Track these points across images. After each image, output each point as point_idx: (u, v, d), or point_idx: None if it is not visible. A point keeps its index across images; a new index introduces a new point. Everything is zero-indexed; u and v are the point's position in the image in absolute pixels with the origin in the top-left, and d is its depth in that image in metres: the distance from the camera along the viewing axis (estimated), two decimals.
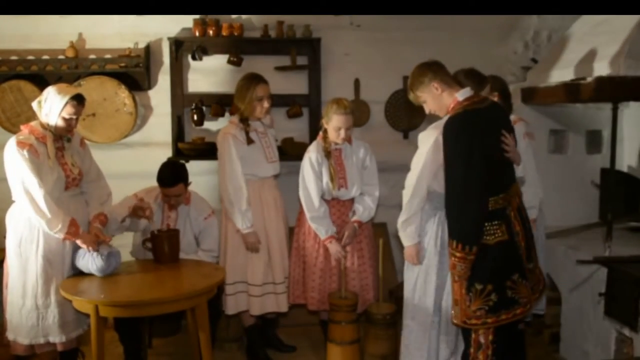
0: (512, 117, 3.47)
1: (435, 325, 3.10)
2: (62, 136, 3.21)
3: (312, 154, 3.65)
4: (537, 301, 3.03)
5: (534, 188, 3.42)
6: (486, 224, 2.68)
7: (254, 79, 3.67)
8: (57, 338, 3.17)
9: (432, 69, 2.82)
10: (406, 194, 3.03)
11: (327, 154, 3.63)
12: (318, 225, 3.61)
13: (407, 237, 3.07)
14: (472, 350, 2.80)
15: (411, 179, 3.01)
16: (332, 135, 3.62)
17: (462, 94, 2.77)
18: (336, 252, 3.61)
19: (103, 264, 3.17)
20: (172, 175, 3.57)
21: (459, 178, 2.63)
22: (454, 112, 2.73)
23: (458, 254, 2.66)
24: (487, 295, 2.69)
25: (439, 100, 2.82)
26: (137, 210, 3.49)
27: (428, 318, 3.10)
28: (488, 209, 2.66)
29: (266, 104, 3.67)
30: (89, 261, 3.17)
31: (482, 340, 2.77)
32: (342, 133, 3.58)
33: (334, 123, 3.57)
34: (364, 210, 3.70)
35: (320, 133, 3.71)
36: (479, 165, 2.60)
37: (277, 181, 3.91)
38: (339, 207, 3.71)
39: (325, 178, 3.62)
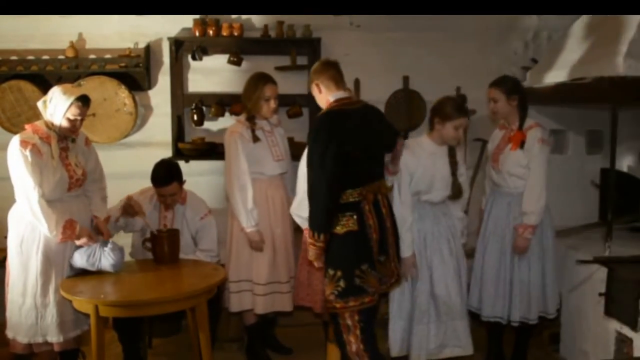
0: (529, 122, 3.48)
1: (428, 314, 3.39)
2: (66, 136, 3.21)
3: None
4: (386, 291, 3.18)
5: (535, 194, 3.39)
6: (340, 215, 2.89)
7: (262, 79, 3.68)
8: (54, 338, 3.17)
9: (320, 72, 3.03)
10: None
11: None
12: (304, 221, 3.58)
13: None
14: (345, 336, 2.97)
15: (395, 190, 3.31)
16: None
17: (334, 96, 2.98)
18: None
19: (117, 258, 3.20)
20: (165, 175, 3.58)
21: (314, 172, 2.85)
22: (322, 111, 2.99)
23: (310, 240, 2.91)
24: (337, 280, 2.90)
25: (320, 98, 3.07)
26: (128, 209, 3.50)
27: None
28: (337, 202, 2.87)
29: (273, 104, 3.68)
30: (101, 259, 3.18)
31: (349, 322, 2.94)
32: None
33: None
34: None
35: None
36: (332, 162, 2.79)
37: (285, 180, 3.90)
38: None
39: None
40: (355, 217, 2.90)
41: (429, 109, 3.53)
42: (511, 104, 3.47)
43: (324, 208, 2.84)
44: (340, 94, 3.00)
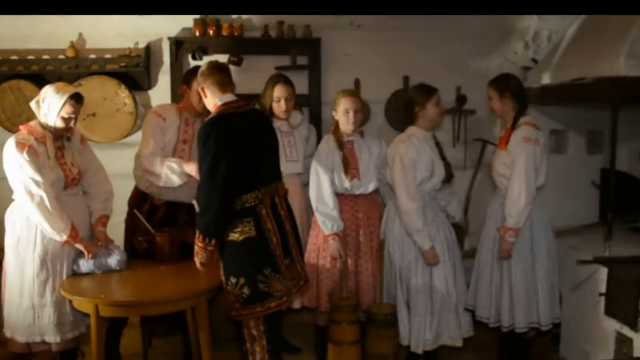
0: (522, 120, 3.42)
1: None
2: (61, 135, 3.21)
3: (322, 144, 3.71)
4: (297, 295, 3.21)
5: (514, 196, 3.32)
6: (237, 221, 2.89)
7: (272, 79, 3.74)
8: (52, 338, 3.17)
9: (206, 75, 2.99)
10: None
11: (340, 144, 3.65)
12: (325, 219, 3.57)
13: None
14: (248, 345, 2.97)
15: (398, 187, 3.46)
16: (342, 123, 3.65)
17: (221, 99, 2.97)
18: (335, 251, 3.57)
19: (122, 255, 3.24)
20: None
21: (205, 176, 2.84)
22: (211, 115, 2.98)
23: (200, 244, 2.90)
24: (240, 288, 2.89)
25: (206, 101, 3.06)
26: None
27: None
28: (231, 208, 2.86)
29: (283, 105, 3.70)
30: (106, 258, 3.21)
31: (254, 332, 2.95)
32: (351, 116, 3.62)
33: (342, 106, 3.62)
34: None
35: (332, 127, 3.75)
36: (223, 166, 2.79)
37: (302, 180, 3.91)
38: (352, 204, 3.69)
39: (337, 168, 3.63)
40: (252, 222, 2.88)
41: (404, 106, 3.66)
42: (504, 102, 3.45)
43: (217, 214, 2.83)
44: (228, 97, 3.00)
